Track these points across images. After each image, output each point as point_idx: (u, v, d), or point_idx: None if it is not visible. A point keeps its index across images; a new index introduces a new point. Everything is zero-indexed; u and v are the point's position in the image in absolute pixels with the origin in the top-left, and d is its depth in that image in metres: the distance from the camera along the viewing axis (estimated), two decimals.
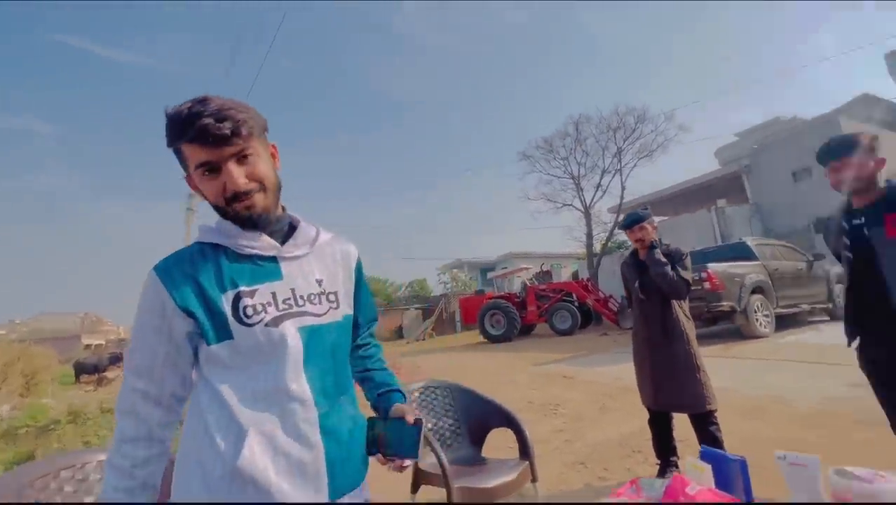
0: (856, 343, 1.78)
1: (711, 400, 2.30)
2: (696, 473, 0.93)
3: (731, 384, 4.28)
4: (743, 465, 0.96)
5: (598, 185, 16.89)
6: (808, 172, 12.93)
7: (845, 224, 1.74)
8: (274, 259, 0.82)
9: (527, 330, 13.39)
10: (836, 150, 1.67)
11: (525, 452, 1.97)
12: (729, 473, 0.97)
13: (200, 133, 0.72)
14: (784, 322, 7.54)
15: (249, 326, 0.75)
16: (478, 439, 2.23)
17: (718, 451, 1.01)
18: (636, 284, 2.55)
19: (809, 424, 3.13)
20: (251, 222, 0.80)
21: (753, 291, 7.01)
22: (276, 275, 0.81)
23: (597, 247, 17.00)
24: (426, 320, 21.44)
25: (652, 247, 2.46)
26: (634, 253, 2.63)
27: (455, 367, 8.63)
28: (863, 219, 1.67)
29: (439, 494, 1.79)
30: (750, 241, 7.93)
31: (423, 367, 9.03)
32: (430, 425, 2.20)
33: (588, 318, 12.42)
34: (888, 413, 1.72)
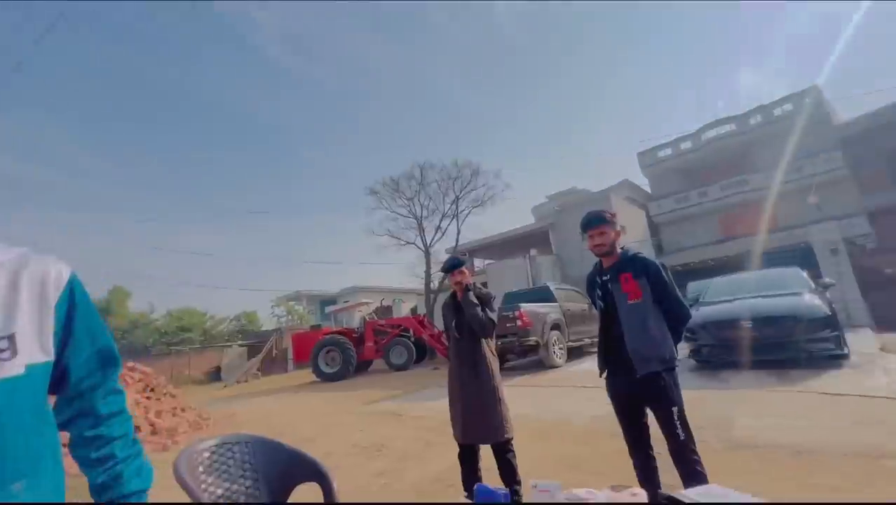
0: (604, 374, 2.26)
1: (509, 429, 2.57)
2: None
3: (530, 411, 4.94)
4: (507, 496, 1.08)
5: (438, 228, 18.28)
6: None
7: (598, 279, 2.24)
8: None
9: (364, 366, 13.10)
10: (590, 223, 2.17)
11: None
12: None
13: None
14: (572, 353, 9.20)
15: None
16: (279, 500, 1.98)
17: (488, 487, 1.11)
18: (453, 324, 2.75)
19: (581, 441, 3.80)
20: None
21: (553, 328, 8.39)
22: None
23: (435, 284, 18.08)
24: (252, 359, 18.99)
25: (467, 289, 2.71)
26: (454, 295, 2.85)
27: (279, 412, 7.77)
28: (608, 276, 2.18)
29: None
30: (551, 286, 9.57)
31: (240, 415, 7.89)
32: (219, 492, 1.87)
33: (423, 352, 12.89)
34: (623, 430, 2.20)
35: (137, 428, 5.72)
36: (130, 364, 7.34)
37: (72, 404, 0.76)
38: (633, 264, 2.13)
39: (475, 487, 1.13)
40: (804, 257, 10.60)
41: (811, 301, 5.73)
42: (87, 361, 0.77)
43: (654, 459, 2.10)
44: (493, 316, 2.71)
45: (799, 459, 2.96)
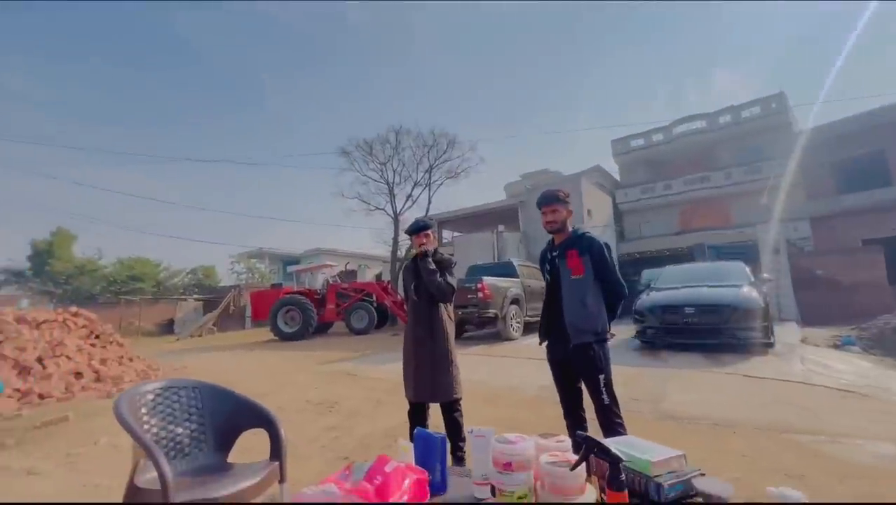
0: (545, 344, 2.39)
1: (458, 390, 2.67)
2: (402, 452, 1.05)
3: (484, 378, 5.15)
4: (443, 441, 1.14)
5: (410, 196, 18.10)
6: None
7: (548, 255, 2.36)
8: None
9: (324, 328, 13.07)
10: (544, 200, 2.25)
11: (276, 451, 1.87)
12: (433, 449, 1.14)
13: None
14: (529, 327, 9.54)
15: None
16: (225, 444, 2.00)
17: (427, 431, 1.17)
18: (412, 287, 2.78)
19: (527, 407, 4.02)
20: None
21: (512, 302, 8.63)
22: None
23: (402, 252, 18.04)
24: (208, 314, 18.48)
25: (425, 255, 2.73)
26: (415, 259, 2.87)
27: (232, 367, 7.69)
28: (557, 252, 2.28)
29: None
30: (515, 262, 9.79)
31: (192, 367, 7.73)
32: (162, 434, 1.86)
33: (384, 318, 12.98)
34: (559, 394, 2.36)
35: (80, 374, 5.51)
36: (73, 309, 6.97)
37: None
38: (579, 242, 2.25)
39: (415, 431, 1.19)
40: (750, 254, 11.33)
41: (748, 293, 6.18)
42: None
43: (584, 419, 2.28)
44: (453, 281, 2.75)
45: (716, 429, 3.27)
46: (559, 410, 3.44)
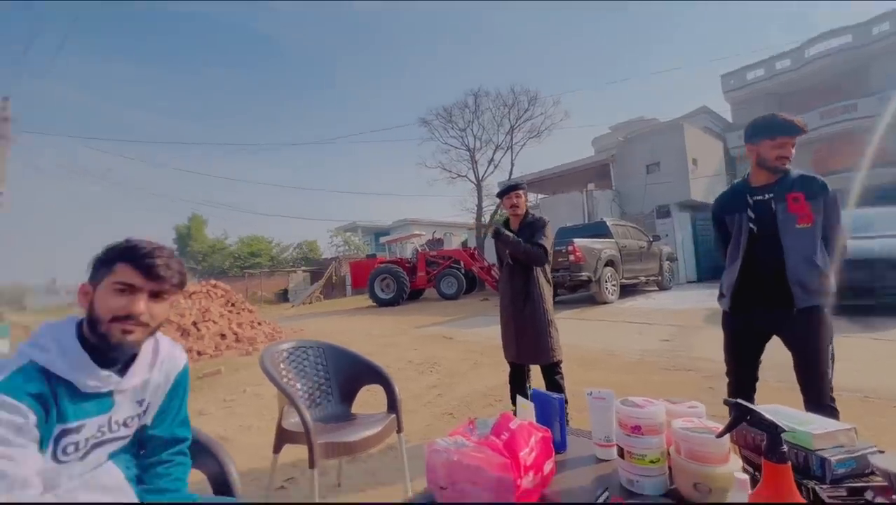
0: (726, 304, 1.98)
1: (558, 353, 2.64)
2: (523, 410, 1.07)
3: (578, 341, 5.02)
4: (561, 402, 1.14)
5: (491, 160, 17.77)
6: (657, 166, 15.33)
7: (747, 198, 1.89)
8: (110, 393, 0.90)
9: (416, 295, 13.77)
10: (783, 128, 1.77)
11: (392, 405, 2.04)
12: (550, 409, 1.14)
13: (148, 267, 0.86)
14: (626, 290, 9.02)
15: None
16: (348, 396, 2.24)
17: (543, 391, 1.17)
18: (507, 252, 2.76)
19: (628, 371, 3.85)
20: (112, 349, 0.85)
21: (606, 264, 8.19)
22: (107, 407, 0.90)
23: (485, 218, 18.02)
24: (314, 284, 20.60)
25: (497, 234, 2.63)
26: (506, 223, 2.83)
27: (340, 330, 8.52)
28: (769, 194, 1.83)
29: (303, 451, 1.78)
30: (608, 221, 9.19)
31: (307, 330, 8.74)
32: (298, 385, 2.14)
33: (473, 284, 13.24)
34: (734, 367, 2.02)
35: (223, 336, 6.56)
36: (213, 282, 8.25)
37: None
38: (804, 183, 1.79)
39: (531, 390, 1.19)
40: None
41: None
42: (167, 431, 1.18)
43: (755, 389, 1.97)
44: (546, 243, 2.63)
45: (868, 402, 2.82)
46: (666, 376, 3.23)
